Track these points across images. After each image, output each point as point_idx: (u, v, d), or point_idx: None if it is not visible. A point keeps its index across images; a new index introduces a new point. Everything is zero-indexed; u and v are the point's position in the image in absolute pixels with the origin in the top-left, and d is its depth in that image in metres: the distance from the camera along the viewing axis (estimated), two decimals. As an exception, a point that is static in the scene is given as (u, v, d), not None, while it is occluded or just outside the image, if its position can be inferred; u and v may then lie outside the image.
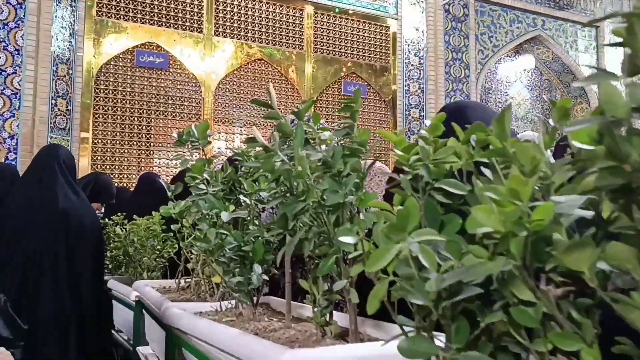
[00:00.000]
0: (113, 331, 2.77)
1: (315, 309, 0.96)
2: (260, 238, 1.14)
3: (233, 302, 1.48)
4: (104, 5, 7.06)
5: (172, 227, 2.11)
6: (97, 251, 2.74)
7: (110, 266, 3.17)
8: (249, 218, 1.24)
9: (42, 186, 2.64)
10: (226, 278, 1.20)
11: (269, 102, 0.91)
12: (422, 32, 8.89)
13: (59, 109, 6.53)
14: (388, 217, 0.69)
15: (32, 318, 2.35)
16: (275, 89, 7.65)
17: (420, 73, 8.84)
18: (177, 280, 2.15)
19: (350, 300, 0.82)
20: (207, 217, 1.13)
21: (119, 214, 3.21)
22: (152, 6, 7.31)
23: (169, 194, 1.27)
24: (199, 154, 1.36)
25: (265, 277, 1.14)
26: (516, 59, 10.04)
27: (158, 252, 2.38)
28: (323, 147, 0.87)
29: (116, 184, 6.68)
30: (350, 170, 0.79)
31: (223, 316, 1.26)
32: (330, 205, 0.79)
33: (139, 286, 2.09)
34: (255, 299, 1.19)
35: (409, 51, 8.92)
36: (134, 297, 2.20)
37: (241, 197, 1.25)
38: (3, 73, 6.16)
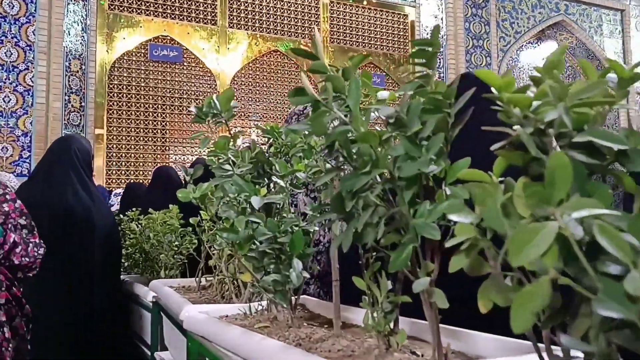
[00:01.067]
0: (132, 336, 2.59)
1: (375, 314, 0.76)
2: (299, 227, 0.94)
3: (263, 303, 1.28)
4: (116, -1, 6.91)
5: (191, 220, 1.93)
6: (110, 251, 2.56)
7: (126, 264, 3.00)
8: (282, 204, 1.04)
9: (50, 183, 2.46)
10: (258, 276, 1.00)
11: (313, 52, 0.70)
12: (442, 19, 8.62)
13: (72, 105, 6.40)
14: (489, 191, 0.48)
15: (38, 330, 2.19)
16: (291, 81, 7.45)
17: (440, 62, 8.57)
18: (197, 279, 1.97)
19: (432, 305, 0.61)
20: (234, 203, 0.93)
21: (134, 209, 3.03)
22: (164, -2, 7.14)
23: (187, 177, 1.07)
24: (220, 132, 1.16)
25: (306, 275, 0.93)
26: (538, 45, 9.72)
27: (176, 249, 2.20)
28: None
29: (131, 181, 6.56)
30: (432, 131, 0.59)
31: (254, 321, 1.07)
32: (406, 177, 0.58)
33: (156, 286, 1.90)
34: (293, 300, 0.99)
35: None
36: (150, 298, 2.02)
37: (274, 179, 1.05)
38: (15, 69, 6.03)
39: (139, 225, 2.72)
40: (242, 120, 7.62)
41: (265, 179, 1.13)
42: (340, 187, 0.62)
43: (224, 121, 1.07)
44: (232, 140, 1.09)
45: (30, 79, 6.09)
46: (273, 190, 1.08)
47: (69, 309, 2.39)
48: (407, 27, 8.71)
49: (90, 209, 2.48)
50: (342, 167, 0.69)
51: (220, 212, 1.89)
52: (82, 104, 6.50)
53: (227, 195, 0.92)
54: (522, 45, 9.38)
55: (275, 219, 0.95)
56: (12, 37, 6.06)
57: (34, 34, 6.16)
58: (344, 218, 0.68)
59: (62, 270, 2.38)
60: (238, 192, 0.92)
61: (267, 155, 1.19)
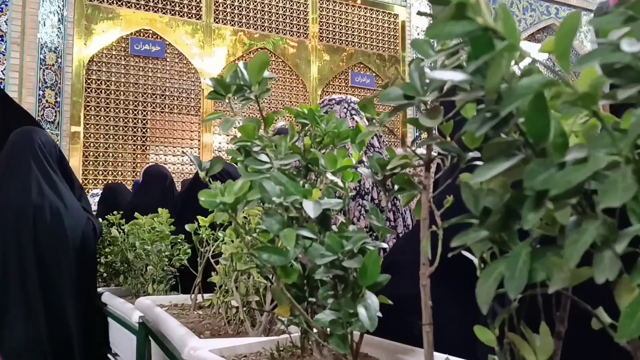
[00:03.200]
0: (109, 355, 2.26)
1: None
2: (374, 247, 0.65)
3: (285, 336, 1.00)
4: (96, -11, 6.53)
5: (188, 227, 1.63)
6: (84, 258, 2.23)
7: (104, 275, 2.67)
8: (340, 212, 0.76)
9: (11, 182, 2.14)
10: (297, 308, 0.72)
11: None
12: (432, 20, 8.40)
13: (47, 100, 6.01)
14: None
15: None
16: (279, 79, 7.16)
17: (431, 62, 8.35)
18: (193, 297, 1.67)
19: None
20: (277, 208, 0.64)
21: (114, 212, 2.71)
22: (147, -10, 6.78)
23: (201, 174, 0.79)
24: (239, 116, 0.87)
25: (379, 314, 0.65)
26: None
27: (166, 260, 1.89)
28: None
29: (109, 181, 6.18)
30: None
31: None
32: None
33: (145, 306, 1.60)
34: (355, 346, 0.71)
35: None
36: (136, 319, 1.71)
37: (329, 176, 0.77)
38: (-15, 61, 5.64)
39: (121, 231, 2.40)
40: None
41: (305, 176, 0.84)
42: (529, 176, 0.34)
43: (253, 97, 0.79)
44: (264, 123, 0.80)
45: (1, 71, 5.70)
46: (319, 189, 0.80)
47: (34, 332, 2.07)
48: (397, 27, 8.48)
49: (59, 210, 2.16)
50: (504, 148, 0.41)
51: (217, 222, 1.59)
52: (58, 99, 6.12)
53: (267, 198, 0.63)
54: (513, 48, 9.21)
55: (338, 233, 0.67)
56: (-18, 27, 5.67)
57: (7, 24, 5.77)
58: (504, 238, 0.40)
59: (25, 281, 2.06)
60: (284, 193, 0.63)
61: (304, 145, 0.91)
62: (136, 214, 2.01)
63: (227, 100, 0.84)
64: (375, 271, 0.63)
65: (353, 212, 1.52)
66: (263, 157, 0.70)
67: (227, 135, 7.34)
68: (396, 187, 0.76)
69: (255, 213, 1.24)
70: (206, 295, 1.73)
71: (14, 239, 2.06)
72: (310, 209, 0.63)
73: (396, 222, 1.70)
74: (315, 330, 0.77)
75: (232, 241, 1.52)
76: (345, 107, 1.60)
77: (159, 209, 2.00)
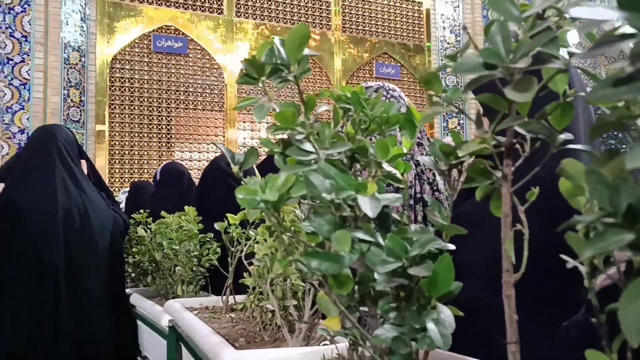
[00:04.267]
0: (139, 358, 2.20)
1: None
2: (445, 250, 0.55)
3: (330, 346, 0.90)
4: (117, -14, 6.50)
5: (217, 225, 1.54)
6: (112, 258, 2.17)
7: (133, 275, 2.61)
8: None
9: (36, 183, 2.08)
10: (352, 322, 0.62)
11: None
12: (458, 6, 8.21)
13: (72, 99, 6.01)
14: None
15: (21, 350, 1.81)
16: (302, 72, 7.09)
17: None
18: (224, 299, 1.58)
19: None
20: (327, 205, 0.54)
21: (141, 211, 2.64)
22: (168, -14, 6.73)
23: (234, 168, 0.69)
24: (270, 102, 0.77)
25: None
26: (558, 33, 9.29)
27: (195, 260, 1.81)
28: None
29: (135, 180, 6.17)
30: None
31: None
32: None
33: (174, 309, 1.52)
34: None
35: (444, 28, 8.25)
36: (166, 322, 1.63)
37: (385, 167, 0.67)
38: (10, 62, 5.65)
39: (148, 230, 2.33)
40: (251, 115, 7.22)
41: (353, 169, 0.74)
42: None
43: (292, 79, 0.68)
44: (305, 107, 0.70)
45: (26, 72, 5.70)
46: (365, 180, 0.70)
47: (62, 327, 2.01)
48: (422, 16, 8.30)
49: (86, 210, 2.10)
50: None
51: (248, 220, 1.51)
52: (82, 98, 6.11)
53: (315, 194, 0.53)
54: (541, 34, 8.94)
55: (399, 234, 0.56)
56: (6, 28, 5.67)
57: (30, 24, 5.77)
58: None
59: (54, 283, 2.00)
60: (335, 188, 0.53)
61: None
62: (163, 213, 1.93)
63: (260, 84, 0.74)
64: (449, 279, 0.53)
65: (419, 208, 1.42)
66: (307, 146, 0.60)
67: (252, 130, 7.28)
68: (459, 177, 0.66)
69: (290, 210, 1.14)
70: (238, 297, 1.64)
71: (43, 242, 2.00)
72: (368, 206, 0.53)
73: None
74: (368, 343, 0.67)
75: (265, 240, 1.43)
76: (383, 95, 1.49)
77: (186, 207, 1.92)
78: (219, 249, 1.81)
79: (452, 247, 0.57)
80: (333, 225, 0.54)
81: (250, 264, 1.34)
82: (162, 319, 1.66)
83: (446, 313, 0.53)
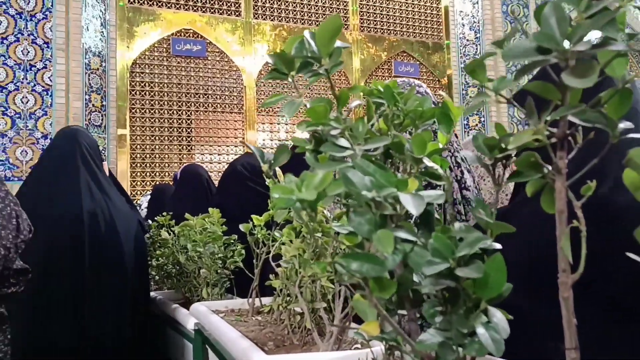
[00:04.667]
0: (165, 362, 2.19)
1: None
2: (487, 250, 0.52)
3: (363, 350, 0.87)
4: (136, -9, 6.54)
5: (242, 227, 1.52)
6: (137, 263, 2.16)
7: (156, 278, 2.61)
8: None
9: (60, 185, 2.07)
10: (394, 327, 0.59)
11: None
12: (477, 3, 8.11)
13: (93, 104, 6.06)
14: None
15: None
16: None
17: (476, 48, 8.08)
18: (251, 301, 1.56)
19: None
20: (368, 203, 0.51)
21: (164, 213, 2.64)
22: (186, -11, 6.75)
23: (264, 167, 0.66)
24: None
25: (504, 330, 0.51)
26: (579, 28, 9.13)
27: (220, 263, 1.79)
28: None
29: (157, 183, 6.20)
30: None
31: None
32: None
33: (200, 313, 1.50)
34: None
35: (464, 25, 8.16)
36: (192, 326, 1.61)
37: (426, 161, 0.64)
38: (33, 68, 5.71)
39: (171, 233, 2.32)
40: (271, 116, 7.22)
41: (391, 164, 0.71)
42: None
43: (323, 72, 0.66)
44: (337, 103, 0.67)
45: (48, 78, 5.76)
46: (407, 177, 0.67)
47: (86, 332, 2.00)
48: (440, 13, 8.22)
49: (111, 215, 2.09)
50: None
51: (274, 221, 1.48)
52: (104, 103, 6.16)
53: (355, 192, 0.50)
54: (562, 28, 8.79)
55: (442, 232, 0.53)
56: (28, 35, 5.74)
57: (51, 31, 5.83)
58: None
59: (79, 288, 2.00)
60: (375, 186, 0.50)
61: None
62: (187, 215, 1.92)
63: (290, 79, 0.72)
64: (500, 280, 0.49)
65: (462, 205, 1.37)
66: (343, 142, 0.57)
67: (271, 132, 7.27)
68: (503, 172, 0.63)
69: (319, 210, 1.12)
70: (264, 300, 1.62)
71: (68, 248, 2.00)
72: (411, 203, 0.50)
73: (467, 216, 1.55)
74: (408, 348, 0.64)
75: (291, 241, 1.41)
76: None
77: (210, 209, 1.91)
78: (243, 251, 1.79)
79: (498, 246, 0.54)
80: (373, 224, 0.51)
81: (278, 265, 1.31)
82: (188, 322, 1.65)
83: (498, 317, 0.50)
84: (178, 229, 2.10)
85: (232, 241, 1.86)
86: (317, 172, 0.53)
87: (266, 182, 1.86)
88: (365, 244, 0.54)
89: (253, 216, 1.52)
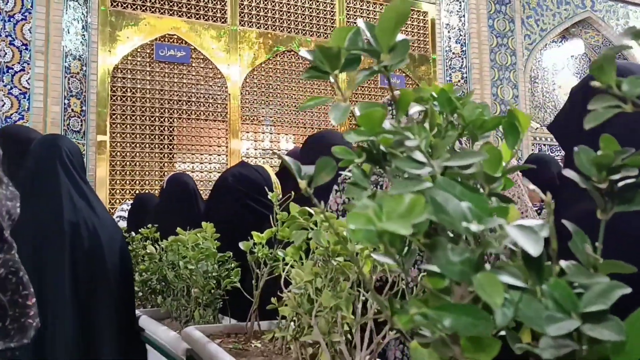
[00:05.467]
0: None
1: None
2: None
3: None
4: (119, -6, 6.37)
5: (242, 245, 1.39)
6: (122, 279, 2.01)
7: (140, 294, 2.45)
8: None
9: (40, 194, 1.92)
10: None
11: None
12: (464, 16, 8.11)
13: (72, 109, 5.86)
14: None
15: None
16: (306, 81, 6.94)
17: (462, 61, 8.07)
18: (249, 325, 1.43)
19: None
20: (465, 236, 0.39)
21: (149, 225, 2.49)
22: (171, -6, 6.60)
23: (301, 184, 0.54)
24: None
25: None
26: (563, 44, 9.22)
27: (214, 283, 1.65)
28: None
29: (137, 192, 6.00)
30: None
31: None
32: None
33: (194, 339, 1.36)
34: None
35: (450, 38, 8.15)
36: (182, 352, 1.47)
37: (500, 181, 0.52)
38: (10, 70, 5.50)
39: (157, 247, 2.17)
40: (255, 125, 7.09)
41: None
42: None
43: (382, 70, 0.54)
44: (395, 108, 0.56)
45: (26, 80, 5.56)
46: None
47: (70, 353, 1.85)
48: (427, 25, 8.20)
49: (95, 226, 1.94)
50: None
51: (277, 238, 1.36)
52: (83, 108, 5.97)
53: (448, 222, 0.38)
54: (547, 44, 8.86)
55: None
56: (6, 36, 5.54)
57: (31, 32, 5.63)
58: None
59: (61, 307, 1.84)
60: (475, 215, 0.38)
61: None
62: (178, 229, 1.78)
63: (331, 79, 0.60)
64: (640, 343, 0.38)
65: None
66: (419, 156, 0.45)
67: (255, 141, 7.12)
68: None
69: (340, 229, 0.99)
70: (263, 324, 1.49)
71: (48, 262, 1.84)
72: (526, 240, 0.38)
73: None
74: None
75: (298, 261, 1.28)
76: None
77: (204, 224, 1.77)
78: (239, 269, 1.65)
79: (627, 290, 0.42)
80: (469, 264, 0.39)
81: (281, 291, 1.18)
82: (178, 348, 1.51)
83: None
84: (166, 243, 1.96)
85: (226, 258, 1.72)
86: (393, 194, 0.40)
87: (260, 197, 1.72)
88: (456, 290, 0.42)
89: (254, 233, 1.39)
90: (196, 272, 1.65)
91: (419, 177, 0.44)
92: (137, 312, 2.14)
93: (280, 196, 1.44)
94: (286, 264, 1.30)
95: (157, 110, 6.49)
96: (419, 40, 8.14)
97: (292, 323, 1.08)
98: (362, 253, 0.96)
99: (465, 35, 8.08)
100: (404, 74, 7.94)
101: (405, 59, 0.54)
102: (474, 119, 0.63)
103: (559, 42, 9.20)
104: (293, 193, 1.45)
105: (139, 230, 2.57)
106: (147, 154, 6.41)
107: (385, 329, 0.90)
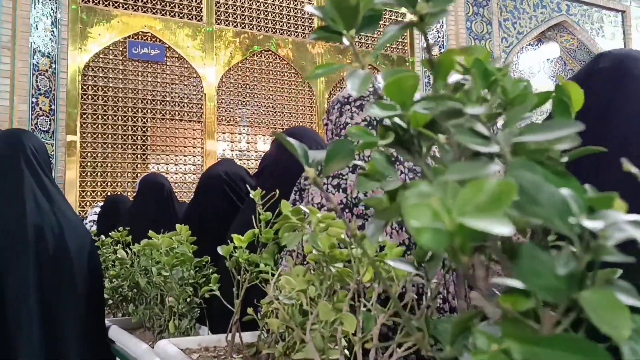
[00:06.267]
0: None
1: None
2: None
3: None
4: (91, -11, 6.15)
5: (221, 250, 1.26)
6: (91, 287, 1.85)
7: (110, 302, 2.29)
8: None
9: (1, 194, 1.75)
10: None
11: None
12: (442, 18, 8.07)
13: (40, 108, 5.63)
14: None
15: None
16: (283, 82, 6.81)
17: (441, 63, 8.01)
18: (229, 338, 1.29)
19: None
20: (568, 235, 0.27)
21: (120, 228, 2.33)
22: (145, -10, 6.41)
23: (309, 172, 0.41)
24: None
25: None
26: (538, 47, 9.26)
27: (190, 290, 1.51)
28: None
29: (108, 194, 5.79)
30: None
31: None
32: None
33: (169, 355, 1.22)
34: None
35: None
36: (156, 367, 1.33)
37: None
38: (-26, 67, 5.25)
39: (129, 252, 2.02)
40: (232, 126, 6.93)
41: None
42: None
43: (418, 22, 0.42)
44: (434, 74, 0.44)
45: (-9, 78, 5.31)
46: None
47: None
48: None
49: (61, 229, 1.78)
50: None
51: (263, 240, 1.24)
52: (52, 107, 5.74)
53: (544, 216, 0.26)
54: (523, 47, 8.89)
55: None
56: (-30, 31, 5.29)
57: (-4, 28, 5.40)
58: None
59: (25, 318, 1.68)
60: (582, 207, 0.25)
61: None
62: (151, 233, 1.63)
63: (346, 41, 0.48)
64: None
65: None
66: (481, 128, 0.33)
67: (232, 142, 6.96)
68: None
69: (336, 231, 0.87)
70: (244, 335, 1.35)
71: (8, 269, 1.68)
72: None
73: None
74: None
75: (271, 267, 1.16)
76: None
77: (178, 226, 1.63)
78: (217, 276, 1.52)
79: None
80: (571, 278, 0.27)
81: (261, 295, 1.05)
82: (150, 362, 1.36)
83: None
84: (138, 248, 1.81)
85: (204, 263, 1.58)
86: (454, 178, 0.28)
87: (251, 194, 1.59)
88: (546, 314, 0.30)
89: (234, 236, 1.26)
90: (170, 279, 1.50)
91: (488, 157, 0.32)
92: (107, 321, 1.98)
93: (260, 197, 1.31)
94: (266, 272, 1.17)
95: (130, 109, 6.28)
96: (397, 41, 8.08)
97: (278, 337, 0.95)
98: (362, 259, 0.84)
99: (443, 37, 8.04)
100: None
101: (447, 11, 0.42)
102: (518, 94, 0.51)
103: (535, 45, 9.24)
104: (278, 191, 1.32)
105: (110, 233, 2.41)
106: (119, 155, 6.20)
107: (392, 347, 0.78)
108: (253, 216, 1.29)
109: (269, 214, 1.25)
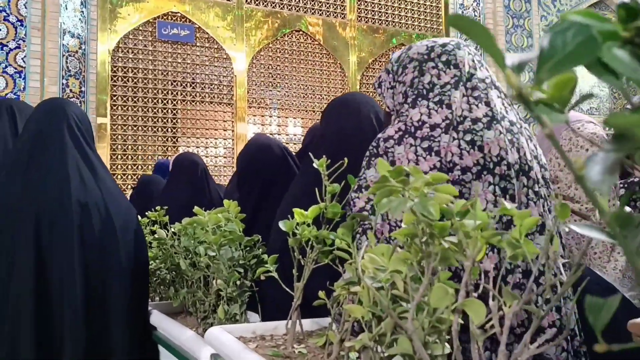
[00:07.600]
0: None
1: None
2: None
3: None
4: (120, -32, 6.03)
5: (283, 225, 1.10)
6: (137, 269, 1.71)
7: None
8: None
9: (41, 169, 1.62)
10: None
11: None
12: (479, -5, 7.78)
13: (71, 90, 5.55)
14: None
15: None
16: (314, 63, 6.61)
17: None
18: (289, 324, 1.14)
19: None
20: None
21: (157, 208, 2.21)
22: (175, -31, 6.26)
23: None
24: None
25: None
26: (579, 26, 8.87)
27: (241, 271, 1.36)
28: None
29: (139, 176, 5.70)
30: None
31: None
32: None
33: (223, 344, 1.07)
34: None
35: (464, 18, 7.81)
36: (207, 357, 1.19)
37: None
38: (4, 48, 5.18)
39: (168, 232, 1.89)
40: (262, 108, 6.78)
41: None
42: None
43: None
44: None
45: (22, 59, 5.24)
46: None
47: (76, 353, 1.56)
48: (440, 5, 7.86)
49: (107, 207, 1.64)
50: None
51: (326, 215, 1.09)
52: (82, 88, 5.66)
53: None
54: (563, 26, 8.52)
55: None
56: (0, 11, 5.21)
57: (26, 8, 5.31)
58: None
59: (63, 298, 1.55)
60: None
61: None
62: (196, 209, 1.49)
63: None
64: None
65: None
66: None
67: (262, 125, 6.81)
68: None
69: (440, 202, 0.70)
70: (305, 323, 1.20)
71: (52, 248, 1.55)
72: None
73: (547, 204, 1.15)
74: None
75: (349, 245, 1.01)
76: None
77: (226, 202, 1.48)
78: (275, 255, 1.36)
79: None
80: None
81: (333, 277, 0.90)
82: (200, 352, 1.22)
83: None
84: (179, 227, 1.67)
85: (255, 242, 1.43)
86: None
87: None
88: None
89: (297, 210, 1.11)
90: (219, 259, 1.36)
91: None
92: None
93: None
94: (335, 249, 1.02)
95: (160, 91, 6.18)
96: (432, 20, 7.82)
97: (363, 326, 0.79)
98: (478, 233, 0.67)
99: (480, 16, 7.75)
100: (416, 56, 7.61)
101: None
102: None
103: (575, 25, 8.86)
104: (347, 160, 1.16)
105: (145, 213, 2.29)
106: (149, 138, 6.11)
107: (525, 342, 0.61)
108: (317, 188, 1.13)
109: (336, 185, 1.09)
